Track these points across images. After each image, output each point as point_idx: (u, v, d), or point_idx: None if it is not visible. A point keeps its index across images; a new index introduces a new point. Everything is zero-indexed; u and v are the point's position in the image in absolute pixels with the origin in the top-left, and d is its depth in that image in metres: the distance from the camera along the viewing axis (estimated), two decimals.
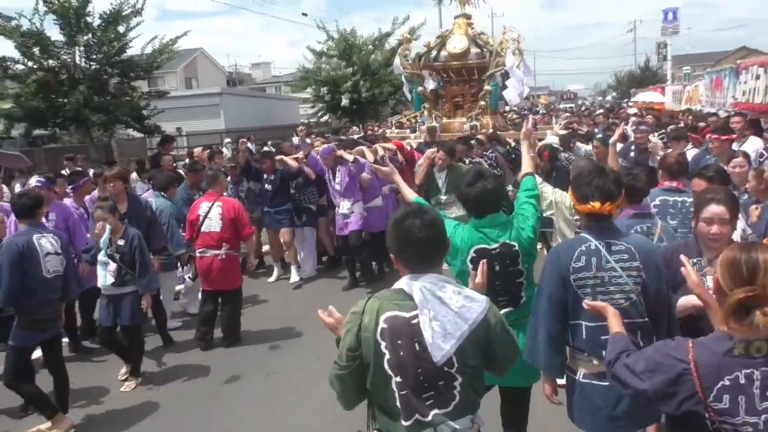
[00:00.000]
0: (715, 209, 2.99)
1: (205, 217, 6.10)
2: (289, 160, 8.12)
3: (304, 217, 8.30)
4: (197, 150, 10.15)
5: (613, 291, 2.77)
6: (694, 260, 2.99)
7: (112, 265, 5.15)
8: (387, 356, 2.13)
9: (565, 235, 4.74)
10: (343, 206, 7.53)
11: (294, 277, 8.26)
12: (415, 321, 2.12)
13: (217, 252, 6.02)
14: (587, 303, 2.62)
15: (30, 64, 13.74)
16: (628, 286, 2.76)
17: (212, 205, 6.13)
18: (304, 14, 36.65)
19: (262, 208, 8.47)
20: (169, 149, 10.93)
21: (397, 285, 2.21)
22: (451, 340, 2.09)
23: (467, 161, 7.69)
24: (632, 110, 18.16)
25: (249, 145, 16.28)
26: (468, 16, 10.79)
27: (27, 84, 13.27)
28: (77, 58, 13.95)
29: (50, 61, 13.70)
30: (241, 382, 5.34)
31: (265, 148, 12.89)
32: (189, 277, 7.16)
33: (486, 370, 2.28)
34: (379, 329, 2.14)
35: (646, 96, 22.64)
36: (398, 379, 2.13)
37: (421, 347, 2.10)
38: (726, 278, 1.91)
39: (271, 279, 8.43)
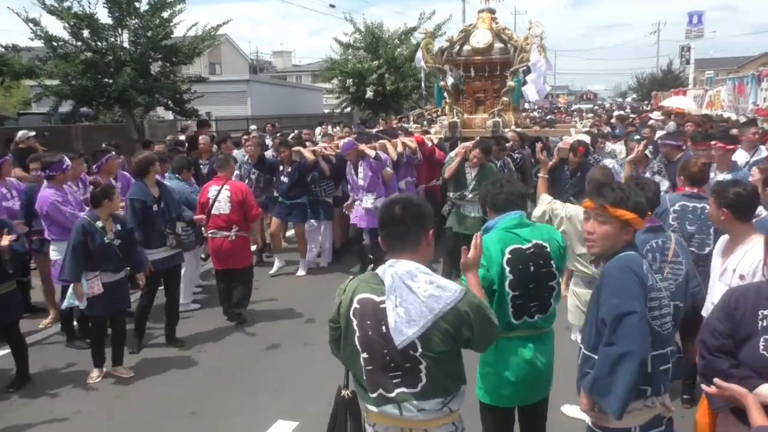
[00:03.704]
0: None
1: (215, 200, 6.35)
2: (307, 153, 8.11)
3: (322, 212, 8.32)
4: (202, 138, 10.00)
5: (665, 314, 2.59)
6: (766, 311, 2.46)
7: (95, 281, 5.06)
8: (357, 333, 2.31)
9: (578, 252, 4.39)
10: (367, 201, 7.60)
11: (301, 270, 8.28)
12: (383, 306, 2.25)
13: (227, 233, 6.35)
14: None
15: (79, 44, 14.43)
16: (670, 310, 2.65)
17: (221, 188, 6.38)
18: (332, 5, 36.68)
19: (271, 194, 8.43)
20: (204, 132, 11.58)
21: (377, 269, 2.36)
22: (414, 326, 2.19)
23: (497, 162, 7.73)
24: (655, 114, 18.13)
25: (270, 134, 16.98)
26: (492, 11, 10.55)
27: (75, 63, 13.98)
28: (124, 42, 14.69)
29: (98, 43, 14.43)
30: (282, 350, 5.83)
31: (292, 135, 13.13)
32: (202, 257, 7.35)
33: (465, 348, 2.34)
34: (352, 308, 2.32)
35: (675, 101, 22.41)
36: (365, 355, 2.30)
37: (387, 330, 2.23)
38: None
39: (272, 271, 8.34)
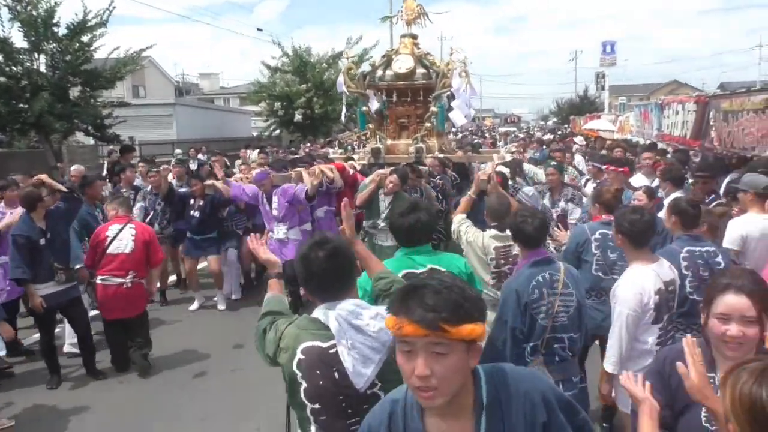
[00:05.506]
0: (733, 301, 2.07)
1: (114, 238, 5.77)
2: (223, 186, 7.67)
3: (229, 241, 8.08)
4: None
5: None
6: (709, 374, 2.06)
7: None
8: (304, 386, 2.17)
9: (482, 279, 4.24)
10: (279, 231, 7.17)
11: (221, 305, 7.91)
12: (333, 351, 2.14)
13: (122, 280, 5.75)
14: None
15: None
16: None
17: (124, 227, 5.85)
18: (260, 29, 36.73)
19: (180, 226, 8.03)
20: (129, 159, 11.33)
21: (315, 314, 2.22)
22: (371, 365, 2.10)
23: (414, 190, 7.33)
24: (578, 139, 18.44)
25: (200, 156, 16.68)
26: (414, 36, 10.47)
27: None
28: (41, 66, 14.22)
29: (13, 68, 13.90)
30: (209, 377, 5.81)
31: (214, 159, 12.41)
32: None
33: None
34: (296, 360, 2.17)
35: (597, 124, 23.43)
36: (316, 406, 2.17)
37: (341, 376, 2.12)
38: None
39: (193, 307, 7.90)
